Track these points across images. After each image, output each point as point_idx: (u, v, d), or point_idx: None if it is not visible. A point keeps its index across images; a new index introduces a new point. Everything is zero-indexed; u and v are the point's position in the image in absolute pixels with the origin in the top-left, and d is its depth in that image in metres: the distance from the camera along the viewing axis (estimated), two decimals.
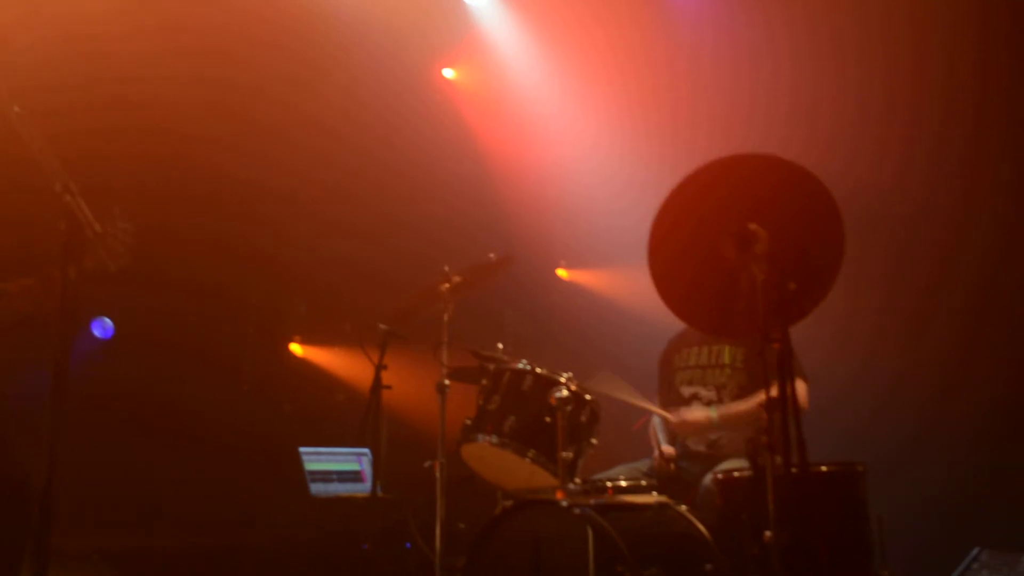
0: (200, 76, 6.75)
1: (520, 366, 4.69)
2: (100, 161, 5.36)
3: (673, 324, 5.60)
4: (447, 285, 4.98)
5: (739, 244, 3.59)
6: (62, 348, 3.12)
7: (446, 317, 4.98)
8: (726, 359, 5.33)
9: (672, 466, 5.15)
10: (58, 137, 3.25)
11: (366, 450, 6.13)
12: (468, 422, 4.67)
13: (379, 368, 5.14)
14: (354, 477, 6.13)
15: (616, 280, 7.89)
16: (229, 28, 6.72)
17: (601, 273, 8.13)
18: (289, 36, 7.03)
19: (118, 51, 6.29)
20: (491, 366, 4.76)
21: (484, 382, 4.72)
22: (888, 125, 6.48)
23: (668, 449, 5.18)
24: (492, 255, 5.04)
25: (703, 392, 5.36)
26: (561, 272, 8.32)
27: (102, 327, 7.67)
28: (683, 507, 4.51)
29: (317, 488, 5.97)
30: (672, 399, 5.42)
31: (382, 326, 5.11)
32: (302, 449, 6.05)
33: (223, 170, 7.23)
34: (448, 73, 8.12)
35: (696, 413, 5.16)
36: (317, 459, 6.06)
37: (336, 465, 6.11)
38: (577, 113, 7.72)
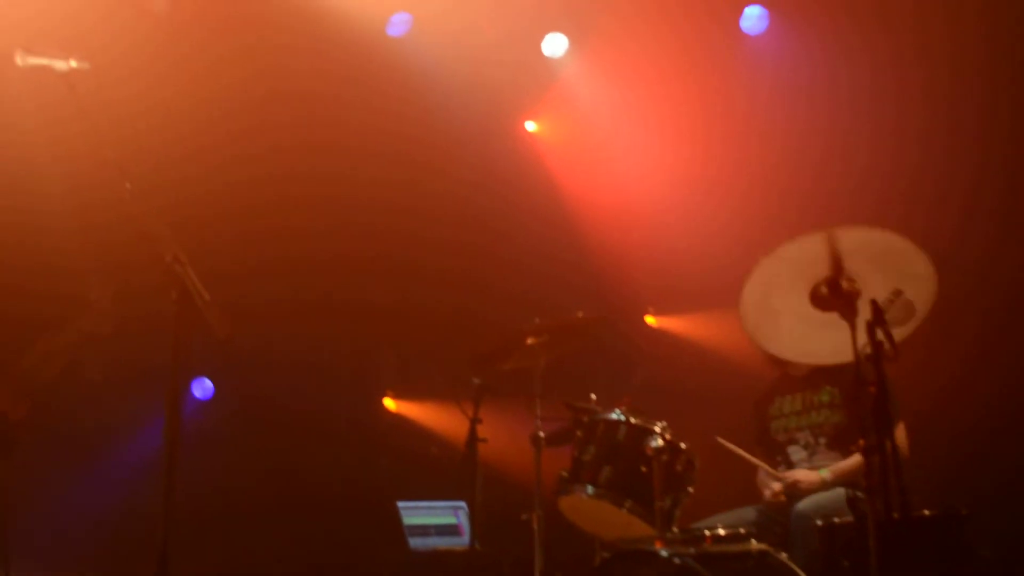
0: (300, 141, 7.00)
1: (614, 416, 4.72)
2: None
3: (767, 371, 5.62)
4: (538, 338, 5.03)
5: (840, 301, 3.61)
6: (174, 409, 3.25)
7: (538, 369, 5.03)
8: (824, 398, 5.31)
9: (782, 497, 5.14)
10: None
11: (462, 503, 6.18)
12: (564, 474, 4.71)
13: (474, 422, 5.21)
14: (452, 531, 6.19)
15: (705, 325, 7.87)
16: (326, 92, 6.96)
17: (690, 319, 8.11)
18: (378, 96, 7.23)
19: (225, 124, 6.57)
20: (585, 417, 4.80)
21: (579, 433, 4.77)
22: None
23: (776, 487, 5.18)
24: (580, 313, 5.09)
25: (798, 435, 5.33)
26: (649, 319, 8.31)
27: (203, 388, 7.92)
28: (783, 555, 4.48)
29: (416, 542, 6.04)
30: (767, 444, 5.40)
31: (475, 380, 5.18)
32: (400, 503, 6.13)
33: (312, 231, 7.43)
34: (530, 126, 8.24)
35: (810, 476, 5.12)
36: (415, 513, 6.13)
37: (434, 519, 6.18)
38: (661, 159, 7.75)
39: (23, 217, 5.68)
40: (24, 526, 6.55)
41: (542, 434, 4.94)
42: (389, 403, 8.46)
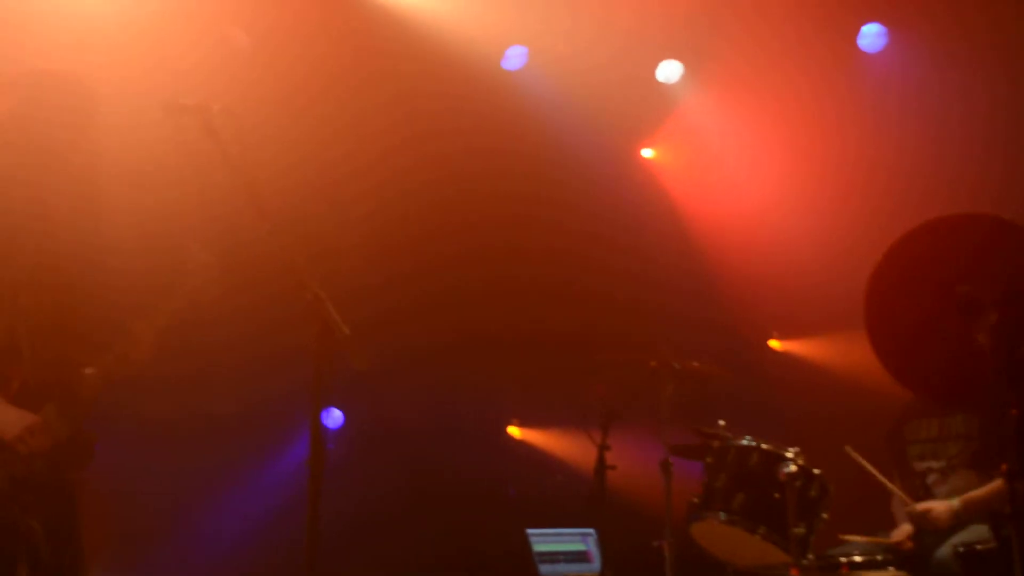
0: (422, 177, 7.18)
1: (745, 442, 4.69)
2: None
3: (899, 392, 5.50)
4: (663, 364, 5.03)
5: (963, 311, 3.53)
6: (317, 438, 3.36)
7: (665, 396, 5.03)
8: (960, 428, 5.16)
9: (909, 544, 5.00)
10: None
11: (591, 530, 6.19)
12: (696, 500, 4.69)
13: (602, 448, 5.23)
14: (581, 557, 6.20)
15: (831, 348, 7.75)
16: (445, 128, 7.12)
17: (816, 342, 8.00)
18: (494, 129, 7.35)
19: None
20: (715, 443, 4.78)
21: (709, 460, 4.75)
22: None
23: (901, 534, 5.05)
24: (696, 363, 5.06)
25: (935, 464, 5.20)
26: (773, 343, 8.22)
27: (332, 418, 8.12)
28: None
29: (546, 569, 6.07)
30: (906, 475, 5.27)
31: (602, 406, 5.21)
32: (529, 531, 6.17)
33: (438, 261, 7.58)
34: (647, 153, 8.26)
35: (938, 507, 4.97)
36: (544, 540, 6.16)
37: (563, 546, 6.20)
38: (780, 181, 7.70)
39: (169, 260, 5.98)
40: (171, 552, 6.83)
41: (671, 460, 4.93)
42: (514, 431, 8.54)
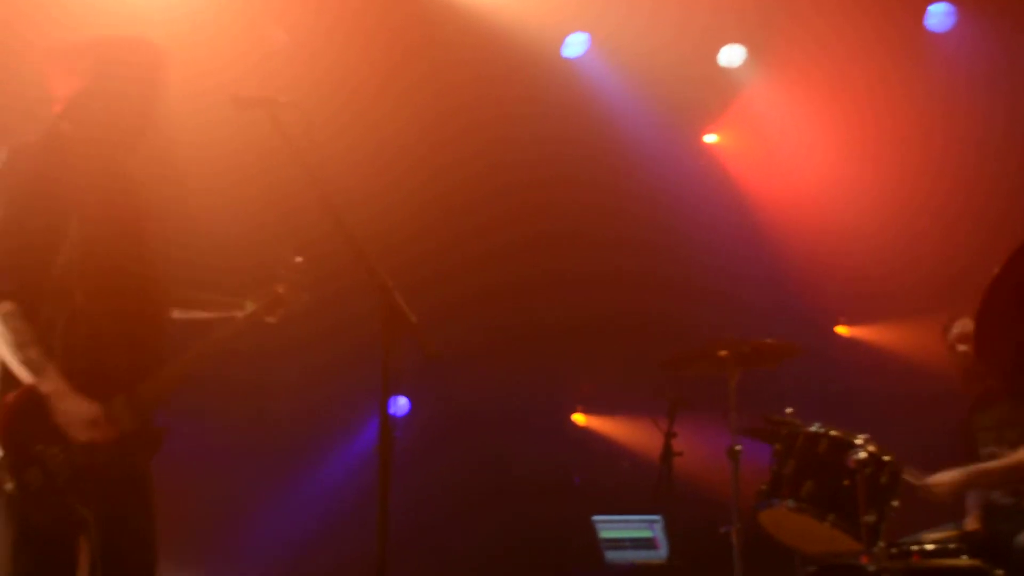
0: (486, 165, 7.20)
1: (813, 429, 4.65)
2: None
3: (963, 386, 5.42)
4: (730, 351, 4.99)
5: None
6: (385, 430, 3.38)
7: (733, 383, 5.00)
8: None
9: (980, 531, 4.93)
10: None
11: (657, 517, 6.19)
12: (764, 487, 4.66)
13: (669, 436, 5.22)
14: (647, 544, 6.20)
15: (901, 334, 7.65)
16: (507, 115, 7.13)
17: (884, 328, 7.89)
18: (556, 116, 7.35)
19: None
20: (783, 430, 4.74)
21: (777, 446, 4.71)
22: None
23: (974, 522, 4.98)
24: (770, 340, 5.01)
25: (996, 450, 5.13)
26: (841, 328, 8.13)
27: (397, 406, 8.20)
28: (999, 572, 4.31)
29: (612, 555, 6.08)
30: (973, 463, 5.19)
31: (669, 394, 5.20)
32: (596, 517, 6.19)
33: (501, 248, 7.61)
34: (710, 138, 8.19)
35: (941, 478, 4.88)
36: (610, 527, 6.17)
37: (629, 532, 6.20)
38: (847, 165, 7.60)
39: (237, 247, 6.08)
40: (240, 544, 6.95)
41: (738, 447, 4.91)
42: (579, 418, 8.55)
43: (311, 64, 6.12)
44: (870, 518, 4.30)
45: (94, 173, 3.39)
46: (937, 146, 7.25)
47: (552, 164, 7.48)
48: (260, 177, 5.78)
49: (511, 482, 7.65)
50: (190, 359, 3.51)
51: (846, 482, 4.42)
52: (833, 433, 4.59)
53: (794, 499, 4.52)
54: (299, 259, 3.88)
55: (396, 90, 6.80)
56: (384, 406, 3.43)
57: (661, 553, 5.99)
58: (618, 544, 6.12)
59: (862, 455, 4.38)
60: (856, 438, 4.53)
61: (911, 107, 7.26)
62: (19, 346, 3.17)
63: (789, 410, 4.92)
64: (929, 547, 4.66)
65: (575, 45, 7.44)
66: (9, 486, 3.10)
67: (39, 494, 3.12)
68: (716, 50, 7.58)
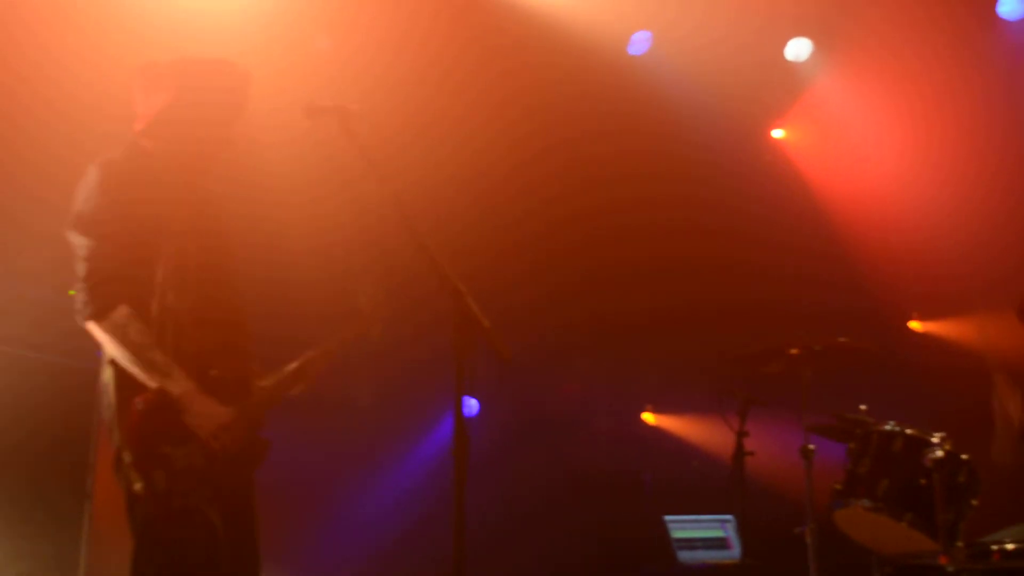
0: (557, 165, 7.22)
1: (888, 427, 4.60)
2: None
3: None
4: (804, 349, 4.95)
5: None
6: (460, 430, 3.41)
7: (805, 381, 4.95)
8: None
9: None
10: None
11: (729, 516, 6.16)
12: (839, 486, 4.62)
13: (740, 435, 5.19)
14: (719, 544, 6.17)
15: (976, 329, 7.49)
16: (574, 113, 7.14)
17: (958, 323, 7.76)
18: (623, 113, 7.34)
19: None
20: (858, 429, 4.70)
21: (851, 445, 4.67)
22: None
23: None
24: (843, 339, 4.95)
25: None
26: (914, 324, 8.01)
27: (467, 407, 8.24)
28: None
29: (684, 555, 6.06)
30: None
31: (741, 393, 5.17)
32: (667, 517, 6.18)
33: (569, 248, 7.62)
34: (777, 133, 8.12)
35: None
36: (682, 526, 6.16)
37: (701, 532, 6.18)
38: (918, 157, 7.47)
39: (317, 260, 6.20)
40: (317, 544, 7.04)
41: (812, 446, 4.86)
42: (648, 417, 8.53)
43: (382, 73, 6.18)
44: (947, 517, 4.24)
45: (179, 189, 3.46)
46: (1013, 138, 7.11)
47: (619, 163, 7.47)
48: (333, 187, 5.84)
49: (582, 482, 7.66)
50: (291, 376, 3.60)
51: (923, 481, 4.37)
52: (909, 431, 4.54)
53: (870, 498, 4.48)
54: (374, 273, 3.94)
55: (466, 95, 6.82)
56: (458, 409, 3.46)
57: (734, 553, 5.97)
58: (690, 544, 6.11)
59: (939, 454, 4.33)
60: (932, 436, 4.47)
61: (985, 97, 7.13)
62: (143, 348, 3.21)
63: (863, 407, 4.87)
64: (1010, 547, 4.58)
65: (639, 43, 7.42)
66: (138, 486, 3.16)
67: (166, 495, 3.18)
68: (782, 45, 7.51)
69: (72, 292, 3.38)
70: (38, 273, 5.21)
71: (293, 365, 3.67)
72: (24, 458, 5.15)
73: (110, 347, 3.28)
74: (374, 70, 6.11)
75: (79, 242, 3.31)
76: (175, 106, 3.50)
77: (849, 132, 7.79)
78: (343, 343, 3.79)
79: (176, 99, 3.50)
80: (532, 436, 7.72)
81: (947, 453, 4.37)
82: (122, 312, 3.24)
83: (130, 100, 3.57)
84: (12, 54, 5.20)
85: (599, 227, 7.62)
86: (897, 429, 4.57)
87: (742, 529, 5.60)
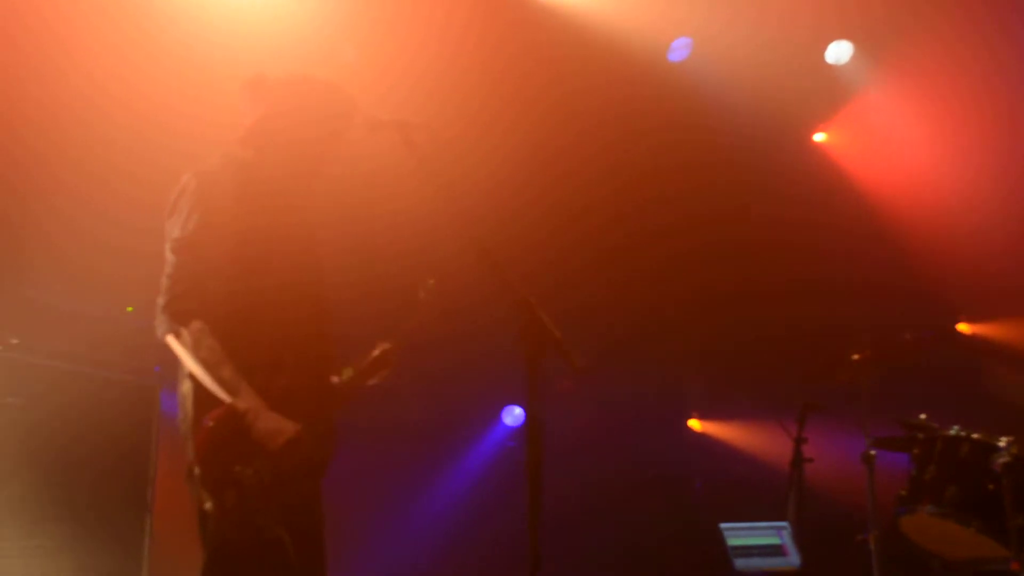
0: (606, 175, 7.22)
1: (953, 432, 4.56)
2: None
3: None
4: (863, 354, 4.92)
5: None
6: (533, 437, 3.41)
7: (866, 386, 4.92)
8: None
9: None
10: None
11: (784, 523, 6.11)
12: (903, 492, 4.58)
13: (798, 441, 5.16)
14: (775, 551, 6.12)
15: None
16: (616, 122, 7.13)
17: (1009, 325, 7.69)
18: (665, 121, 7.32)
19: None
20: (921, 435, 4.66)
21: (915, 451, 4.63)
22: None
23: None
24: (907, 334, 4.92)
25: None
26: (962, 327, 7.94)
27: (512, 416, 8.25)
28: None
29: (741, 563, 6.02)
30: None
31: (799, 399, 5.15)
32: (723, 525, 6.14)
33: (617, 257, 7.61)
34: (819, 137, 8.07)
35: None
36: (738, 534, 6.11)
37: (757, 540, 6.13)
38: (964, 160, 7.41)
39: (383, 270, 6.23)
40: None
41: (873, 452, 4.83)
42: (694, 424, 8.50)
43: (435, 86, 6.20)
44: (1018, 523, 4.20)
45: (271, 198, 3.47)
46: None
47: (662, 170, 7.45)
48: (399, 199, 5.86)
49: (633, 488, 7.64)
50: (370, 366, 3.64)
51: (991, 486, 4.34)
52: (975, 436, 4.50)
53: (936, 504, 4.45)
54: (432, 282, 3.96)
55: (515, 105, 6.84)
56: (532, 419, 3.46)
57: (791, 560, 5.92)
58: (746, 551, 6.06)
59: (1007, 458, 4.28)
60: (999, 440, 4.43)
61: None
62: (213, 365, 3.22)
63: (923, 416, 4.83)
64: None
65: (680, 49, 7.40)
66: (208, 505, 3.16)
67: (234, 513, 3.17)
68: (823, 47, 7.47)
69: (130, 309, 3.40)
70: (100, 290, 5.25)
71: (372, 354, 3.69)
72: (86, 474, 5.20)
73: (186, 361, 3.29)
74: (425, 84, 6.13)
75: (169, 259, 3.34)
76: (275, 117, 3.51)
77: (892, 135, 7.74)
78: (410, 334, 3.82)
79: (277, 112, 3.52)
80: (578, 445, 7.68)
81: (1015, 457, 4.32)
82: (195, 327, 3.24)
83: (237, 111, 3.59)
84: (94, 66, 5.25)
85: (643, 233, 7.60)
86: (963, 434, 4.53)
87: (802, 537, 5.56)
